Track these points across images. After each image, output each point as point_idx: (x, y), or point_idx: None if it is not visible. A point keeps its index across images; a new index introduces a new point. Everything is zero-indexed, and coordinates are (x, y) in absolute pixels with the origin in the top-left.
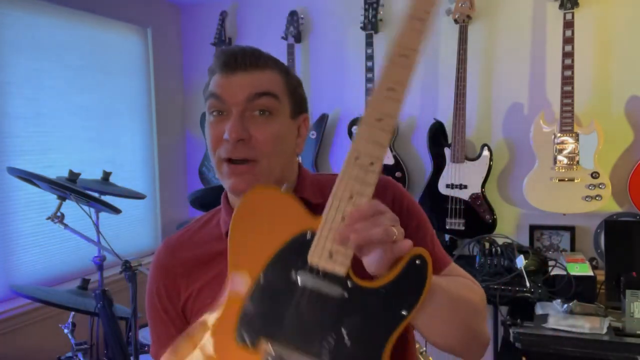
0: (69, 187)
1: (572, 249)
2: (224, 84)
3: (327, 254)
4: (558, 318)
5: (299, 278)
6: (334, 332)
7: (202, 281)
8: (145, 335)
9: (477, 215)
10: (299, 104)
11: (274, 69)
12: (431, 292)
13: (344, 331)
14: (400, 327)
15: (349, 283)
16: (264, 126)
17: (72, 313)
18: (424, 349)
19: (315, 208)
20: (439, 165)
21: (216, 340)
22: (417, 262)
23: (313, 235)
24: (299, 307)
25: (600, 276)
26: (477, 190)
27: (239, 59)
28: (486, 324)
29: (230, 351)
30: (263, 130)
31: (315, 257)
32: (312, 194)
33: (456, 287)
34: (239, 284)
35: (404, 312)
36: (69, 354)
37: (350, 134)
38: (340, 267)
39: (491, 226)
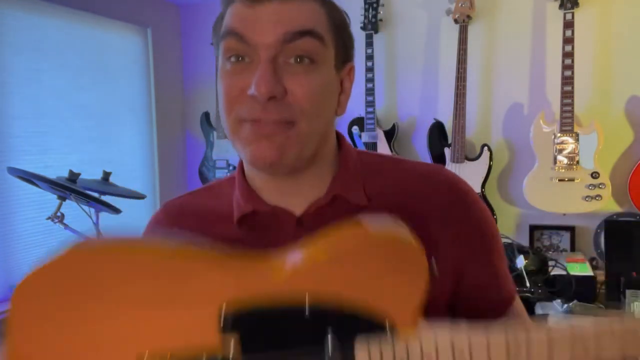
0: (69, 187)
1: (572, 249)
2: (247, 16)
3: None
4: (558, 318)
5: None
6: None
7: None
8: None
9: None
10: (345, 49)
11: None
12: None
13: None
14: None
15: None
16: (304, 77)
17: None
18: None
19: (358, 212)
20: None
21: None
22: None
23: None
24: None
25: (600, 276)
26: (477, 190)
27: None
28: None
29: None
30: (303, 83)
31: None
32: (354, 187)
33: None
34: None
35: None
36: None
37: (350, 134)
38: None
39: None
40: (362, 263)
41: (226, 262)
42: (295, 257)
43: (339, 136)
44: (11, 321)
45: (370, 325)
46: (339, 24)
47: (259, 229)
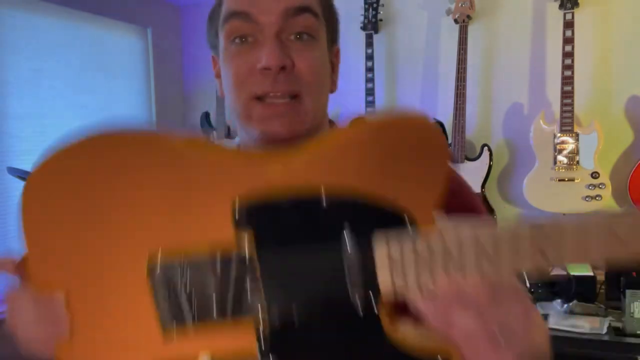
0: None
1: None
2: None
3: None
4: (558, 318)
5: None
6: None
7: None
8: None
9: None
10: (333, 30)
11: None
12: None
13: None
14: None
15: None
16: (306, 52)
17: None
18: None
19: None
20: None
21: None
22: None
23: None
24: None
25: (600, 276)
26: (477, 190)
27: None
28: None
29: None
30: (305, 57)
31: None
32: None
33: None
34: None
35: None
36: None
37: None
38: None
39: None
40: (373, 152)
41: (238, 155)
42: (304, 151)
43: (331, 122)
44: (25, 214)
45: (388, 219)
46: (328, 3)
47: None
